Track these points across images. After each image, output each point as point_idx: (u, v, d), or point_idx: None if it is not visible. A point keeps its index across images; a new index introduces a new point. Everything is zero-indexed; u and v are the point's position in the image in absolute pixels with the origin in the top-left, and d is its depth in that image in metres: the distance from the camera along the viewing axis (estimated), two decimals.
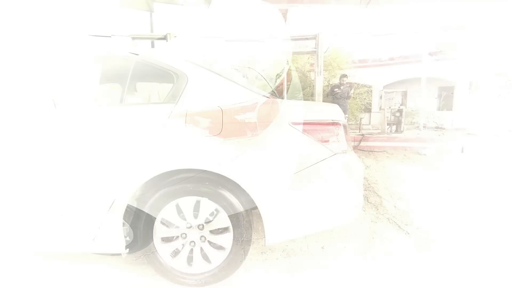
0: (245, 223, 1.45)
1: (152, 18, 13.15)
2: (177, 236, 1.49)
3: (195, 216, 1.46)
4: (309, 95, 13.97)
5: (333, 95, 6.49)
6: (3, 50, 1.62)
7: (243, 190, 1.43)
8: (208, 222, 1.47)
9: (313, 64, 15.33)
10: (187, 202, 1.44)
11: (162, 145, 1.40)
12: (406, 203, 2.96)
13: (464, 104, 14.08)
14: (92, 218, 1.43)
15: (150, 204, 1.44)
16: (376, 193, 3.31)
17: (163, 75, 1.73)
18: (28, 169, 1.42)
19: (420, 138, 6.57)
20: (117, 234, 1.44)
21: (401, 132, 7.50)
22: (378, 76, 16.19)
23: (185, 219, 1.47)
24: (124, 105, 1.57)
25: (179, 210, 1.46)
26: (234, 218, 1.44)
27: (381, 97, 7.67)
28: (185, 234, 1.49)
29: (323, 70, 7.20)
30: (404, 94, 7.44)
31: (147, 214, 1.45)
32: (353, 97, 6.65)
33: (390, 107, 7.65)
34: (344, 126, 1.61)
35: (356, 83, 13.66)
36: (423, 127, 11.70)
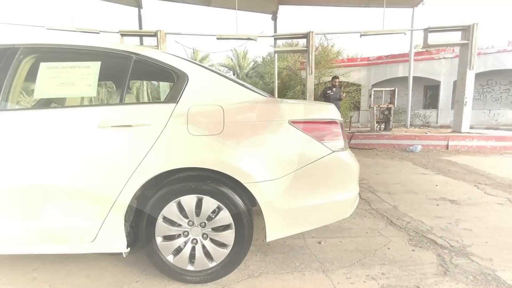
0: (247, 220, 1.48)
1: (141, 14, 12.88)
2: (179, 234, 1.50)
3: (197, 214, 1.47)
4: (299, 93, 14.11)
5: (326, 97, 6.59)
6: None
7: (245, 188, 1.46)
8: (210, 219, 1.48)
9: (303, 62, 15.53)
10: (189, 200, 1.45)
11: (163, 144, 1.41)
12: (397, 198, 3.06)
13: (448, 102, 14.56)
14: (93, 218, 1.42)
15: (152, 202, 1.44)
16: (368, 189, 3.41)
17: (162, 74, 1.73)
18: (27, 169, 1.39)
19: (408, 135, 6.76)
20: (119, 233, 1.44)
21: (390, 129, 7.69)
22: (367, 74, 16.52)
23: (187, 217, 1.48)
24: (123, 104, 1.55)
25: (181, 209, 1.46)
26: (236, 215, 1.47)
27: (370, 96, 7.83)
28: (187, 232, 1.50)
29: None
30: (393, 93, 7.63)
31: (149, 213, 1.45)
32: (341, 92, 6.80)
33: (379, 106, 7.82)
34: (341, 125, 1.66)
35: (345, 82, 13.91)
36: (410, 125, 12.06)
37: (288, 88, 14.66)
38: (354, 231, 2.24)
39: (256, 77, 23.28)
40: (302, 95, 14.00)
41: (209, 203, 1.46)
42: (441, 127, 13.13)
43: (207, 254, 1.51)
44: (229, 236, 1.49)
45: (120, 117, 1.42)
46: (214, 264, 1.51)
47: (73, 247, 1.47)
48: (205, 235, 1.51)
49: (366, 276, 1.62)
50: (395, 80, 15.43)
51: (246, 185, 1.43)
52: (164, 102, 1.52)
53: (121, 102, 1.54)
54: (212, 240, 1.51)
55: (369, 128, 8.18)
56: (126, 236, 1.46)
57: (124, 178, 1.39)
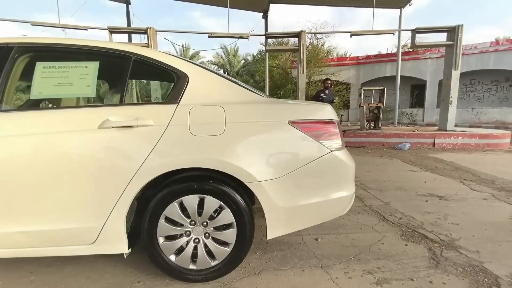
0: (248, 218, 1.51)
1: (130, 10, 12.60)
2: (181, 234, 1.51)
3: (199, 214, 1.49)
4: (290, 92, 14.21)
5: (319, 101, 6.63)
6: None
7: (245, 187, 1.48)
8: (212, 219, 1.50)
9: (294, 61, 15.64)
10: (191, 200, 1.46)
11: (165, 145, 1.41)
12: (388, 195, 3.16)
13: (434, 101, 15.01)
14: (95, 219, 1.41)
15: (154, 203, 1.45)
16: (360, 186, 3.50)
17: (162, 74, 1.73)
18: (26, 170, 1.37)
19: (396, 133, 6.95)
20: (121, 234, 1.44)
21: (379, 128, 7.88)
22: (356, 74, 16.80)
23: (189, 217, 1.49)
24: (124, 105, 1.54)
25: (183, 209, 1.48)
26: (238, 214, 1.49)
27: (360, 95, 7.99)
28: (189, 231, 1.51)
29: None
30: (382, 92, 7.81)
31: (151, 213, 1.45)
32: (333, 94, 6.90)
33: (369, 105, 7.99)
34: (338, 124, 1.71)
35: (335, 81, 14.10)
36: (397, 123, 12.37)
37: (279, 86, 14.74)
38: (349, 228, 2.30)
39: (246, 75, 23.26)
40: (293, 94, 14.12)
41: (211, 203, 1.48)
42: (427, 125, 13.53)
43: (209, 253, 1.53)
44: (231, 235, 1.51)
45: (121, 118, 1.41)
46: (216, 262, 1.53)
47: (73, 249, 1.46)
48: (207, 234, 1.52)
49: (363, 270, 1.68)
50: (383, 79, 15.78)
51: (248, 185, 1.46)
52: (165, 103, 1.53)
53: (121, 102, 1.53)
54: (214, 239, 1.53)
55: (359, 127, 8.34)
56: (127, 237, 1.46)
57: (126, 179, 1.38)
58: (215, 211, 1.50)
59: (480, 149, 6.41)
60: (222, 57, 25.97)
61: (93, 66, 1.53)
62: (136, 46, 1.61)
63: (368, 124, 8.08)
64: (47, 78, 1.49)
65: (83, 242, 1.44)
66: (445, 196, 3.08)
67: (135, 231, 1.57)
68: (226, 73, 24.45)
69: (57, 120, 1.42)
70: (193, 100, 1.51)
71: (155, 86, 7.75)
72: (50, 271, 1.70)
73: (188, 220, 1.50)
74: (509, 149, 6.45)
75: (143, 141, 1.41)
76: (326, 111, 1.68)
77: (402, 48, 12.65)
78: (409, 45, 13.55)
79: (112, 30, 7.22)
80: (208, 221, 1.51)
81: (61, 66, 1.52)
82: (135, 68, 1.58)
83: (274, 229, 1.55)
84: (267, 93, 11.76)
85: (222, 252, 1.53)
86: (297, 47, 7.48)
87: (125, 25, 12.02)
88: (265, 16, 12.23)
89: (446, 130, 7.14)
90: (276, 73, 15.35)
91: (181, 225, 1.50)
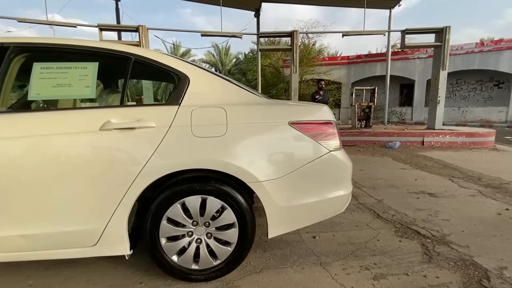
0: (250, 218, 1.53)
1: (119, 6, 12.35)
2: (183, 235, 1.52)
3: (201, 214, 1.50)
4: (282, 91, 14.27)
5: (314, 101, 6.66)
6: None
7: (246, 187, 1.51)
8: (214, 219, 1.52)
9: (286, 60, 15.68)
10: (193, 201, 1.48)
11: (168, 146, 1.42)
12: (381, 193, 3.25)
13: (422, 100, 15.38)
14: (96, 221, 1.40)
15: (156, 204, 1.45)
16: (354, 185, 3.57)
17: (163, 75, 1.72)
18: (26, 172, 1.35)
19: (387, 132, 7.10)
20: (122, 236, 1.44)
21: (370, 127, 8.02)
22: (347, 73, 17.02)
23: (191, 218, 1.50)
24: (125, 106, 1.53)
25: (185, 209, 1.49)
26: (240, 214, 1.51)
27: (352, 94, 8.11)
28: (191, 232, 1.53)
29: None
30: (373, 92, 7.95)
31: (153, 214, 1.46)
32: (327, 95, 6.94)
33: (360, 104, 8.13)
34: (336, 125, 1.75)
35: (327, 80, 14.26)
36: (387, 121, 12.62)
37: (271, 85, 14.79)
38: (345, 225, 2.36)
39: (238, 74, 23.19)
40: (285, 93, 14.20)
41: (214, 203, 1.49)
42: (416, 123, 13.87)
43: (211, 253, 1.55)
44: (233, 235, 1.54)
45: (123, 119, 1.41)
46: (218, 262, 1.55)
47: (74, 252, 1.44)
48: (209, 234, 1.54)
49: (360, 266, 1.73)
50: (374, 78, 16.06)
51: (250, 185, 1.48)
52: (166, 104, 1.53)
53: (122, 104, 1.53)
54: (216, 239, 1.54)
55: (350, 125, 8.47)
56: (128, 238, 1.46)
57: (129, 181, 1.38)
58: (217, 212, 1.52)
59: (467, 147, 6.63)
60: (213, 55, 25.80)
61: (92, 67, 1.52)
62: (136, 47, 1.61)
63: (360, 123, 8.21)
64: (45, 79, 1.46)
65: (85, 244, 1.43)
66: (435, 193, 3.19)
67: (135, 232, 1.57)
68: (218, 72, 24.30)
69: (57, 122, 1.40)
70: (194, 101, 1.52)
71: (147, 85, 7.63)
72: (48, 274, 1.68)
73: (190, 221, 1.51)
74: (494, 147, 6.70)
75: (146, 142, 1.41)
76: (324, 112, 1.72)
77: (391, 48, 12.90)
78: (398, 45, 13.83)
79: (102, 28, 7.07)
80: (210, 221, 1.52)
81: (59, 66, 1.50)
82: (135, 69, 1.58)
83: (275, 228, 1.58)
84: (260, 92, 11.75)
85: (224, 252, 1.55)
86: (290, 47, 7.52)
87: (114, 21, 11.81)
88: (257, 15, 12.21)
89: (434, 129, 7.34)
90: (268, 72, 15.39)
91: (183, 226, 1.51)
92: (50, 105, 1.87)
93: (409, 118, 15.80)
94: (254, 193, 1.54)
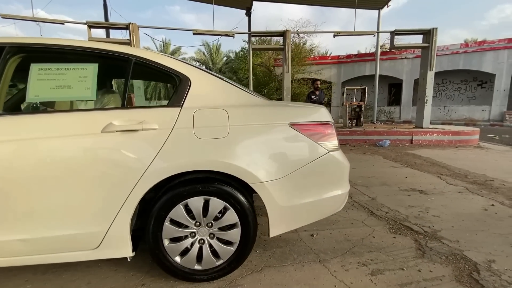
0: (252, 217, 1.56)
1: (107, 3, 12.08)
2: (186, 236, 1.53)
3: (204, 215, 1.51)
4: (274, 90, 14.32)
5: (310, 102, 6.68)
6: None
7: (248, 187, 1.53)
8: (217, 220, 1.53)
9: (277, 59, 15.71)
10: (196, 202, 1.49)
11: (171, 148, 1.42)
12: (374, 190, 3.34)
13: (409, 99, 15.75)
14: (99, 224, 1.40)
15: (159, 206, 1.46)
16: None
17: (163, 77, 1.72)
18: (28, 175, 1.32)
19: (377, 131, 7.26)
20: (125, 238, 1.44)
21: (361, 126, 8.18)
22: (337, 72, 17.23)
23: (194, 219, 1.52)
24: (127, 108, 1.53)
25: (188, 211, 1.50)
26: (242, 214, 1.53)
27: (343, 94, 8.24)
28: (194, 232, 1.54)
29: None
30: (363, 91, 8.11)
31: (156, 216, 1.46)
32: (324, 95, 6.97)
33: (351, 103, 8.27)
34: (333, 126, 1.80)
35: (318, 79, 14.39)
36: (376, 120, 12.89)
37: (263, 84, 14.83)
38: (341, 223, 2.42)
39: (229, 72, 23.10)
40: (276, 92, 14.27)
41: (216, 204, 1.51)
42: (404, 122, 14.22)
43: (214, 253, 1.56)
44: (235, 234, 1.56)
45: (125, 122, 1.41)
46: (221, 262, 1.57)
47: (75, 255, 1.43)
48: (211, 235, 1.56)
49: (358, 263, 1.79)
50: (363, 78, 16.34)
51: (252, 185, 1.51)
52: (168, 106, 1.53)
53: (123, 106, 1.52)
54: (219, 239, 1.56)
55: (341, 124, 8.61)
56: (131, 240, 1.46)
57: (132, 183, 1.38)
58: (220, 212, 1.54)
59: (453, 145, 6.86)
60: (204, 53, 25.60)
61: (92, 68, 1.50)
62: (136, 49, 1.60)
63: (351, 122, 8.36)
64: (43, 81, 1.44)
65: (87, 247, 1.42)
66: (425, 191, 3.31)
67: (136, 233, 1.57)
68: (209, 70, 24.13)
69: (58, 124, 1.38)
70: (196, 103, 1.53)
71: (138, 84, 7.54)
72: (47, 278, 1.65)
73: (193, 222, 1.52)
74: (478, 145, 6.96)
75: (148, 144, 1.41)
76: (322, 113, 1.76)
77: (380, 48, 13.16)
78: (387, 45, 14.10)
79: (91, 25, 6.90)
80: (213, 222, 1.54)
81: (58, 68, 1.47)
82: (135, 70, 1.57)
83: (276, 228, 1.61)
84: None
85: (227, 252, 1.57)
86: (282, 47, 7.56)
87: (101, 18, 11.54)
88: (249, 14, 12.20)
89: (422, 128, 7.56)
90: (259, 71, 15.41)
91: (186, 227, 1.52)
92: (46, 106, 1.83)
93: (397, 116, 16.18)
94: (254, 193, 1.56)
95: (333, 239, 2.13)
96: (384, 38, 14.34)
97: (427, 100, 7.55)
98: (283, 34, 7.39)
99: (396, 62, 15.76)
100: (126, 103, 1.62)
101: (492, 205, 2.81)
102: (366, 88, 8.13)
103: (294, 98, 11.94)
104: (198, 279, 1.57)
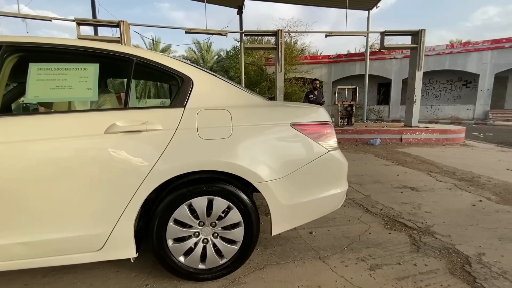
0: (255, 216, 1.58)
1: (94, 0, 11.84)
2: (190, 235, 1.54)
3: (208, 215, 1.53)
4: (266, 89, 14.36)
5: (308, 101, 6.62)
6: None
7: (250, 187, 1.56)
8: (220, 219, 1.55)
9: (269, 58, 15.72)
10: (200, 202, 1.50)
11: (175, 148, 1.43)
12: (368, 188, 3.42)
13: (398, 99, 16.11)
14: (103, 225, 1.39)
15: (163, 206, 1.46)
16: None
17: (165, 78, 1.72)
18: (30, 176, 1.30)
19: (368, 130, 7.41)
20: (129, 239, 1.44)
21: (352, 125, 8.33)
22: (328, 72, 17.42)
23: (198, 218, 1.53)
24: (130, 109, 1.52)
25: (192, 210, 1.51)
26: (245, 213, 1.56)
27: (335, 93, 8.37)
28: (198, 232, 1.55)
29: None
30: (354, 91, 8.26)
31: (160, 217, 1.46)
32: (322, 95, 6.91)
33: (342, 103, 8.40)
34: (332, 126, 1.84)
35: (309, 78, 14.52)
36: (366, 119, 13.14)
37: (255, 83, 14.84)
38: (338, 220, 2.48)
39: (220, 71, 23.01)
40: (268, 91, 14.32)
41: (220, 204, 1.53)
42: (393, 121, 14.54)
43: (218, 252, 1.58)
44: (238, 233, 1.58)
45: (129, 122, 1.40)
46: (224, 260, 1.59)
47: (79, 257, 1.42)
48: (215, 234, 1.57)
49: (357, 259, 1.84)
50: (353, 77, 16.61)
51: (255, 185, 1.53)
52: (171, 106, 1.53)
53: (126, 106, 1.51)
54: (223, 238, 1.58)
55: (334, 124, 8.74)
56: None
57: (136, 184, 1.38)
58: (223, 212, 1.55)
59: (440, 143, 7.09)
60: (195, 52, 25.37)
61: (93, 69, 1.48)
62: (137, 49, 1.59)
63: (342, 121, 8.50)
64: (43, 81, 1.42)
65: (90, 249, 1.41)
66: (416, 188, 3.41)
67: (138, 234, 1.56)
68: None
69: (60, 125, 1.36)
70: (198, 103, 1.54)
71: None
72: (47, 281, 1.63)
73: (197, 221, 1.53)
74: (464, 143, 7.21)
75: (152, 145, 1.42)
76: (321, 113, 1.80)
77: (369, 48, 13.40)
78: (376, 45, 14.36)
79: (80, 22, 6.74)
80: (216, 221, 1.55)
81: (58, 68, 1.45)
82: (137, 71, 1.56)
83: (278, 226, 1.65)
84: None
85: (230, 250, 1.59)
86: (274, 46, 7.61)
87: (87, 14, 11.26)
88: (240, 12, 12.18)
89: (411, 126, 7.77)
90: (251, 70, 15.42)
91: (190, 227, 1.53)
92: (45, 106, 1.80)
93: (386, 115, 16.53)
94: (254, 192, 1.59)
95: (332, 236, 2.18)
96: (374, 39, 14.62)
97: (415, 99, 7.76)
98: (275, 33, 7.43)
99: (385, 62, 16.08)
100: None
101: (480, 200, 2.93)
102: (357, 87, 8.28)
103: (286, 97, 12.01)
104: (202, 278, 1.58)
